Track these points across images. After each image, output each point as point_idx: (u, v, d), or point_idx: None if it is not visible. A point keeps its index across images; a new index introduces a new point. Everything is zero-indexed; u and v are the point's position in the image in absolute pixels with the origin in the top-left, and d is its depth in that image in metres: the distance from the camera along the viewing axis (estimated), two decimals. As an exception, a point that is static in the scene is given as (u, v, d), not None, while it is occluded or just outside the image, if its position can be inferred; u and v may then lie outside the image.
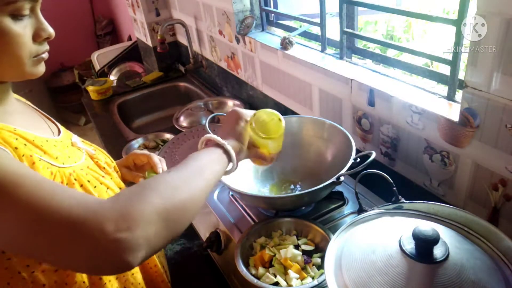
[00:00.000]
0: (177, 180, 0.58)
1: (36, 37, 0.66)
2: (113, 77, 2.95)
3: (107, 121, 2.02)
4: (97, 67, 3.16)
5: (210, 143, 0.75)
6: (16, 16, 0.61)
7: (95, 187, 0.72)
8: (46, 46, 0.69)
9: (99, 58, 3.22)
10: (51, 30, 0.67)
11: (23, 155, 0.62)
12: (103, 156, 0.86)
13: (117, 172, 0.89)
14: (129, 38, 3.57)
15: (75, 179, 0.69)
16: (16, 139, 0.63)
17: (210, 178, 0.65)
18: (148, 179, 0.58)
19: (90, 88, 2.22)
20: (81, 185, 0.69)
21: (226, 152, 0.73)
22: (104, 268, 0.50)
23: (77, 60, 3.83)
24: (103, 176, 0.77)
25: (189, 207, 0.57)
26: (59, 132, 0.80)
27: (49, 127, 0.79)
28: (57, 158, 0.69)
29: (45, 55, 0.69)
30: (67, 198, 0.50)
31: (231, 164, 0.74)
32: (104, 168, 0.81)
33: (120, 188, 0.82)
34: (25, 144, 0.64)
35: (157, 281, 0.85)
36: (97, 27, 4.25)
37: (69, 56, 4.08)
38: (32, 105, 0.84)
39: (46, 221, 0.48)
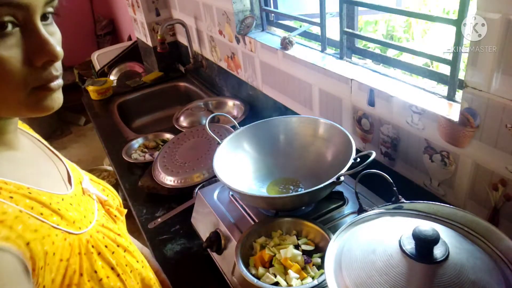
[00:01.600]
0: None
1: (34, 60, 0.48)
2: (113, 77, 2.95)
3: (107, 121, 2.02)
4: (97, 67, 3.16)
5: None
6: None
7: (113, 253, 0.63)
8: (55, 71, 0.52)
9: (99, 58, 3.22)
10: (55, 49, 0.50)
11: (39, 249, 0.50)
12: (113, 199, 0.77)
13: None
14: (129, 38, 3.57)
15: (93, 246, 0.60)
16: (32, 208, 0.51)
17: None
18: None
19: (90, 88, 2.22)
20: (99, 253, 0.61)
21: None
22: None
23: (77, 60, 3.83)
24: (118, 235, 0.68)
25: None
26: (68, 175, 0.67)
27: (58, 169, 0.66)
28: (74, 222, 0.59)
29: (57, 83, 0.52)
30: None
31: None
32: (115, 216, 0.74)
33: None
34: (41, 214, 0.52)
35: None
36: (97, 27, 4.25)
37: (69, 56, 4.03)
38: (35, 135, 0.70)
39: None
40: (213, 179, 1.28)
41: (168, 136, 1.69)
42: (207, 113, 1.83)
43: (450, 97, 0.94)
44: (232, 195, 1.10)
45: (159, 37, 2.05)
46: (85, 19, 4.23)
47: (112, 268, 0.62)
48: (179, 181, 1.32)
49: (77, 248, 0.57)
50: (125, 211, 0.81)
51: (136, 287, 0.67)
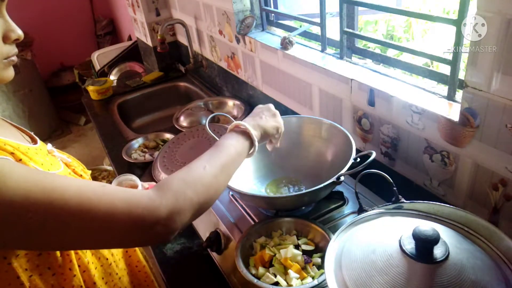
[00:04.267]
0: (210, 177, 0.69)
1: (5, 39, 0.64)
2: (113, 77, 2.95)
3: (107, 121, 2.02)
4: (97, 67, 3.16)
5: (238, 130, 0.81)
6: None
7: None
8: (15, 49, 0.66)
9: (99, 58, 3.22)
10: (20, 32, 0.65)
11: (20, 160, 0.63)
12: (78, 165, 0.86)
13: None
14: (129, 38, 3.57)
15: None
16: (4, 144, 0.63)
17: (234, 171, 0.76)
18: (187, 171, 0.68)
19: (90, 88, 2.22)
20: None
21: (251, 142, 0.81)
22: (151, 243, 0.74)
23: (77, 60, 3.84)
24: None
25: (214, 198, 0.71)
26: (32, 137, 0.80)
27: (24, 138, 0.78)
28: (42, 164, 0.69)
29: (15, 58, 0.67)
30: (118, 199, 0.59)
31: (251, 150, 0.82)
32: (81, 175, 0.83)
33: None
34: (12, 153, 0.64)
35: (144, 284, 0.90)
36: (97, 27, 4.25)
37: (69, 56, 4.08)
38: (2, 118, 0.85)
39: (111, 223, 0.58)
40: (213, 179, 1.28)
41: (168, 136, 1.69)
42: (207, 113, 1.83)
43: (450, 97, 0.94)
44: (232, 195, 1.10)
45: (159, 37, 2.05)
46: (85, 19, 4.23)
47: None
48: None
49: None
50: (90, 172, 0.89)
51: None
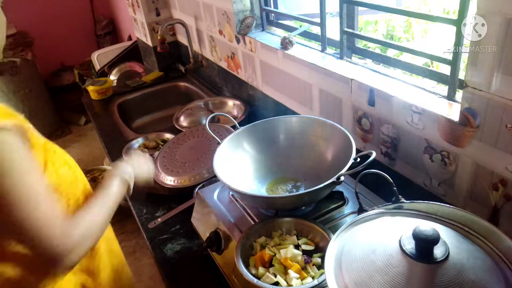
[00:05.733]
0: (102, 226, 0.83)
1: None
2: (113, 77, 2.95)
3: (107, 121, 2.02)
4: (97, 67, 3.16)
5: (115, 178, 0.93)
6: None
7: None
8: None
9: (99, 58, 3.22)
10: None
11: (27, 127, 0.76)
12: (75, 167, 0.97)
13: None
14: (129, 38, 3.57)
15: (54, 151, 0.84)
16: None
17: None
18: (87, 218, 0.80)
19: (90, 88, 2.22)
20: (54, 151, 0.84)
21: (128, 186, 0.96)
22: (44, 267, 0.77)
23: (77, 60, 3.83)
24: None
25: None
26: None
27: None
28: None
29: None
30: (43, 212, 0.71)
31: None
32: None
33: None
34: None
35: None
36: (97, 27, 4.25)
37: (69, 56, 4.08)
38: None
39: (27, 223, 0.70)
40: (213, 179, 1.28)
41: (168, 136, 1.69)
42: (207, 113, 1.83)
43: (450, 97, 0.94)
44: (232, 195, 1.10)
45: (159, 37, 2.05)
46: (85, 19, 4.23)
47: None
48: (179, 181, 1.32)
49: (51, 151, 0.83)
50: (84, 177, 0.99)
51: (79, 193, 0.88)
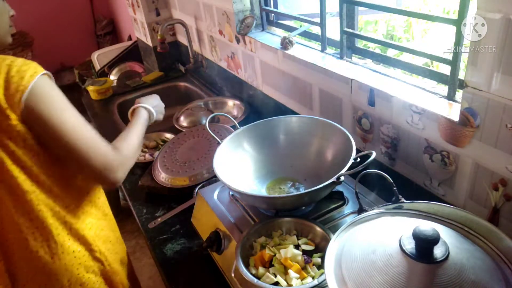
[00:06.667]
0: (138, 147, 1.03)
1: (10, 13, 0.97)
2: (113, 77, 2.95)
3: (107, 121, 2.02)
4: (97, 67, 3.16)
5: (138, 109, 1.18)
6: None
7: None
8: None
9: (99, 58, 3.22)
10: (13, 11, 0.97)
11: None
12: None
13: None
14: (129, 38, 3.57)
15: None
16: None
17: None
18: (129, 143, 1.01)
19: (90, 88, 2.22)
20: None
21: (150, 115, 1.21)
22: (101, 182, 0.97)
23: (77, 60, 3.83)
24: None
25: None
26: None
27: None
28: None
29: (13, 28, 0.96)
30: (91, 137, 0.89)
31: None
32: None
33: None
34: None
35: None
36: (97, 27, 4.25)
37: (69, 56, 4.08)
38: None
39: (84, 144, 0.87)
40: (213, 179, 1.28)
41: (168, 136, 1.69)
42: (207, 113, 1.83)
43: (450, 97, 0.94)
44: (232, 195, 1.10)
45: (159, 37, 2.05)
46: (85, 19, 4.23)
47: None
48: (179, 181, 1.32)
49: None
50: None
51: None
